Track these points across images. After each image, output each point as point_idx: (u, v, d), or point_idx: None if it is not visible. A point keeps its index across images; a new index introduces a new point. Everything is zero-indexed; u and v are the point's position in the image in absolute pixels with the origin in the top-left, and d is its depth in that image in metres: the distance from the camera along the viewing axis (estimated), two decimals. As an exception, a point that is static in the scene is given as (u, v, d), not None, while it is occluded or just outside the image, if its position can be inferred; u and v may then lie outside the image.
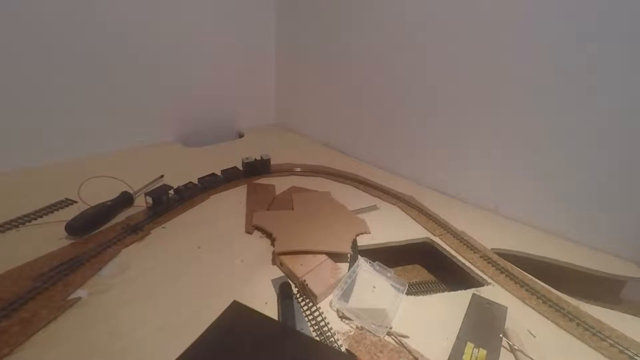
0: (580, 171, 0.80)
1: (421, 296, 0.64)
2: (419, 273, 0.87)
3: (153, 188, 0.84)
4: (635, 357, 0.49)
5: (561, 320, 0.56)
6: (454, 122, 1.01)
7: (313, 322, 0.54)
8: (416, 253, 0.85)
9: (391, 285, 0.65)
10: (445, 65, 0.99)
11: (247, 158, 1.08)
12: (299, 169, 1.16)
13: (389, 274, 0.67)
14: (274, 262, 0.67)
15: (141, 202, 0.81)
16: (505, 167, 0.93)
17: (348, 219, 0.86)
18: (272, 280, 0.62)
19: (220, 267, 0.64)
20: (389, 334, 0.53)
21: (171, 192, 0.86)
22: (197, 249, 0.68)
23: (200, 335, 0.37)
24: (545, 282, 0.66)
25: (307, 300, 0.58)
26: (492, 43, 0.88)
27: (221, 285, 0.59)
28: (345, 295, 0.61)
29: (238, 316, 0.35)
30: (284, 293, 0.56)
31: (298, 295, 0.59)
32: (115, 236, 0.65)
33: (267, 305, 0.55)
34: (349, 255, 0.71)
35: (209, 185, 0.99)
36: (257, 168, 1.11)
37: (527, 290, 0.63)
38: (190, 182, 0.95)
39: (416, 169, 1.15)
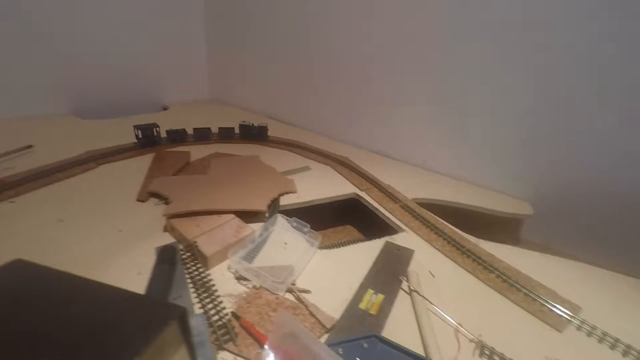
0: (486, 124, 0.84)
1: (335, 249, 0.60)
2: (349, 233, 0.85)
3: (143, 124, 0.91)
4: (515, 285, 0.51)
5: (460, 257, 0.57)
6: (384, 85, 1.01)
7: (199, 285, 0.46)
8: (346, 212, 0.82)
9: (306, 240, 0.60)
10: (371, 33, 0.98)
11: (244, 121, 1.05)
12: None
13: (305, 229, 0.62)
14: (165, 229, 0.57)
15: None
16: (429, 125, 0.96)
17: (273, 180, 0.78)
18: (156, 248, 0.52)
19: (85, 240, 0.52)
20: (289, 290, 0.48)
21: (157, 129, 0.93)
22: (58, 223, 0.54)
23: None
24: (456, 227, 0.67)
25: (197, 263, 0.50)
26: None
27: (81, 260, 0.48)
28: (250, 255, 0.54)
29: (16, 277, 0.26)
30: (161, 258, 0.47)
31: (187, 260, 0.50)
32: None
33: (141, 275, 0.46)
34: (266, 214, 0.64)
35: (203, 136, 1.01)
36: (252, 133, 1.05)
37: (435, 233, 0.63)
38: (184, 128, 0.99)
39: (353, 132, 1.14)
